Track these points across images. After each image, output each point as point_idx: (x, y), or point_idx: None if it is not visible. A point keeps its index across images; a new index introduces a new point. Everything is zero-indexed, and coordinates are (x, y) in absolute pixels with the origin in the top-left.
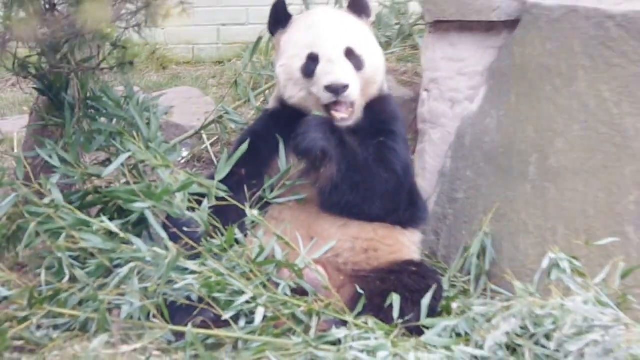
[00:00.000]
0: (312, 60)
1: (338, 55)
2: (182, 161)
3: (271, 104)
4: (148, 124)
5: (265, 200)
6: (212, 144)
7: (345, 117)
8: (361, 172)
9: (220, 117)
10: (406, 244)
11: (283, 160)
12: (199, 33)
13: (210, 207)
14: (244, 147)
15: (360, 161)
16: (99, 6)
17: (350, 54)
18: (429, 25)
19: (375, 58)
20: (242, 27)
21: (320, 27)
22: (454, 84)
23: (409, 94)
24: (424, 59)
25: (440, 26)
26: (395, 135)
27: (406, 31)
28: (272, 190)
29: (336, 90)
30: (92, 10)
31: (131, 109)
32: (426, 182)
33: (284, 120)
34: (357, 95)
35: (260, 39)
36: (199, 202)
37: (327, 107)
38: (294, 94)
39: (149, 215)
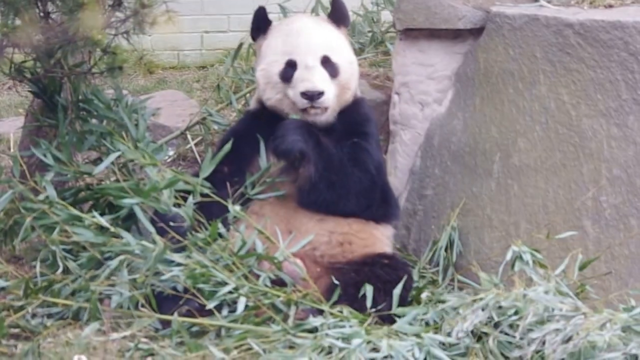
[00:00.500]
0: (290, 66)
1: (315, 63)
2: (169, 160)
3: (252, 105)
4: (136, 125)
5: (246, 196)
6: (196, 144)
7: (319, 112)
8: (337, 172)
9: (204, 118)
10: (379, 238)
11: (263, 158)
12: (183, 40)
13: (195, 203)
14: (227, 146)
15: (335, 161)
16: (91, 15)
17: (326, 61)
18: (399, 33)
19: (349, 66)
20: (224, 34)
21: (300, 35)
22: (424, 87)
23: (381, 97)
24: (395, 64)
25: (410, 33)
26: (368, 137)
27: (378, 38)
28: (253, 187)
29: (312, 96)
30: (84, 18)
31: (120, 111)
32: (398, 180)
33: (264, 121)
34: (331, 101)
35: (241, 45)
36: (185, 199)
37: (303, 111)
38: (272, 96)
39: (137, 210)
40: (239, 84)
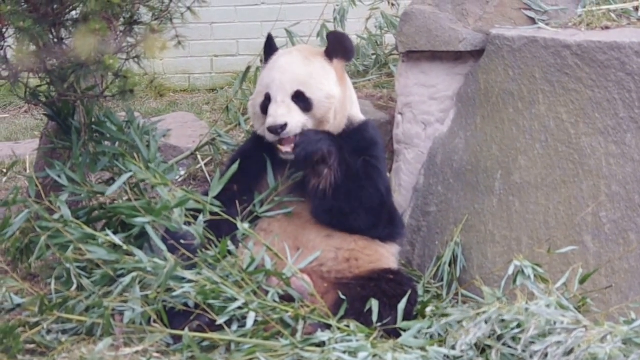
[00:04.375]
0: (268, 99)
1: (284, 98)
2: (179, 180)
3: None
4: (148, 146)
5: (255, 214)
6: (206, 164)
7: (289, 151)
8: (354, 182)
9: (214, 139)
10: (384, 255)
11: (271, 177)
12: (193, 63)
13: (205, 222)
14: (235, 166)
15: (354, 171)
16: (101, 40)
17: (298, 97)
18: (402, 55)
19: (326, 100)
20: (233, 57)
21: (277, 70)
22: (426, 107)
23: (385, 117)
24: (398, 85)
25: (413, 56)
26: (377, 158)
27: (382, 60)
28: (261, 205)
29: (275, 130)
30: (93, 42)
31: (132, 133)
32: (402, 197)
33: (270, 143)
34: (299, 129)
35: (249, 68)
36: (195, 217)
37: (277, 144)
38: (258, 127)
39: (149, 229)
40: (247, 106)
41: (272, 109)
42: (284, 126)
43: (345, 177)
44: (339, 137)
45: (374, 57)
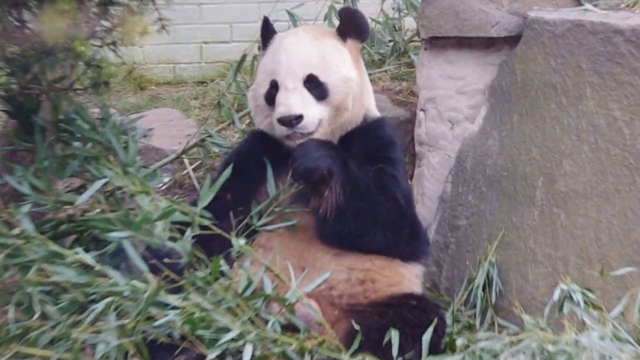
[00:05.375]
0: (274, 87)
1: (295, 84)
2: (163, 187)
3: (257, 124)
4: (125, 147)
5: (252, 227)
6: (194, 169)
7: (302, 139)
8: (364, 199)
9: (203, 140)
10: (406, 276)
11: (271, 184)
12: (179, 51)
13: (193, 237)
14: (229, 171)
15: (363, 187)
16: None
17: (311, 81)
18: (424, 42)
19: (343, 84)
20: (226, 45)
21: (284, 52)
22: (453, 103)
23: (404, 114)
24: (420, 77)
25: (437, 42)
26: (393, 162)
27: (401, 48)
28: (260, 217)
29: (289, 121)
30: (61, 25)
31: (107, 132)
32: (426, 209)
33: (271, 141)
34: (316, 125)
35: (244, 57)
36: (181, 231)
37: (287, 139)
38: (261, 120)
39: (127, 245)
40: (242, 101)
41: (282, 96)
42: (299, 117)
43: (353, 197)
44: (349, 135)
45: (391, 44)
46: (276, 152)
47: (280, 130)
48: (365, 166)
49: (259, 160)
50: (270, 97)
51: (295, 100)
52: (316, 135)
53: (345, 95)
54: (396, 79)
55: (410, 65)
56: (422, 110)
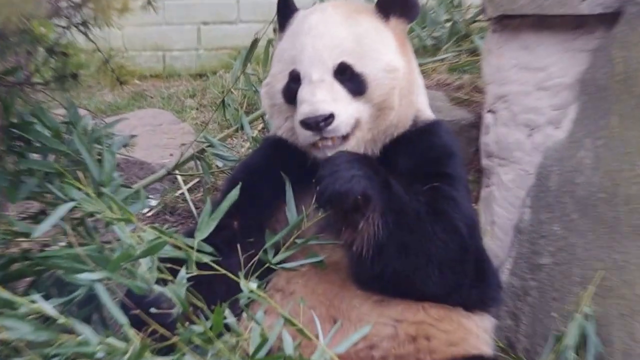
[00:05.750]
0: (294, 80)
1: (322, 75)
2: (149, 213)
3: (272, 131)
4: (100, 161)
5: (267, 265)
6: (190, 189)
7: (333, 147)
8: (413, 230)
9: (202, 151)
10: (471, 331)
11: (292, 208)
12: (171, 35)
13: (189, 278)
14: (236, 192)
15: (411, 214)
16: None
17: (344, 72)
18: (492, 22)
19: (387, 75)
20: (232, 26)
21: (309, 35)
22: (531, 102)
23: (466, 117)
24: (487, 68)
25: (509, 23)
26: (452, 180)
27: (461, 30)
28: (277, 252)
29: (314, 123)
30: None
31: (75, 140)
32: (497, 242)
33: (292, 152)
34: (350, 127)
35: (255, 41)
36: (174, 272)
37: (312, 147)
38: (280, 124)
39: (100, 290)
40: (253, 99)
41: (305, 92)
42: (329, 117)
43: (397, 227)
44: (395, 144)
45: (448, 25)
46: (299, 166)
47: (304, 136)
48: (415, 185)
49: (276, 177)
50: (291, 93)
51: (323, 95)
52: (352, 142)
53: (389, 89)
54: (455, 71)
55: (474, 52)
56: (491, 111)
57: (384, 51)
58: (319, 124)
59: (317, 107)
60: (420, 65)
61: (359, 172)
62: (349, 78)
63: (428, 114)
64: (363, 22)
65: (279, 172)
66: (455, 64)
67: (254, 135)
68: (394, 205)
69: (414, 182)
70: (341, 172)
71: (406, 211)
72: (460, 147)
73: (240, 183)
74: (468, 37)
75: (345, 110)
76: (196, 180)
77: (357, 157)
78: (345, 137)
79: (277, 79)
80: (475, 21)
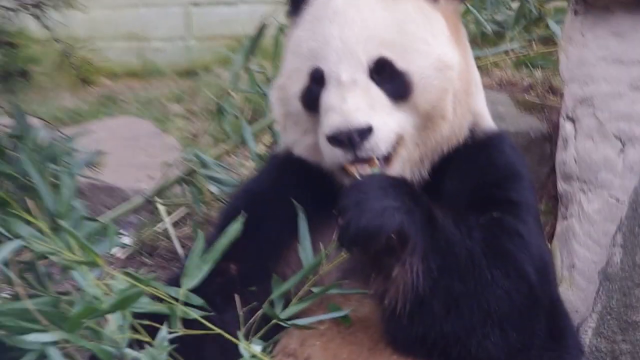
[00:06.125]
0: (317, 81)
1: (355, 73)
2: (122, 254)
3: (283, 147)
4: (56, 185)
5: (274, 321)
6: (176, 223)
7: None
8: (465, 278)
9: (192, 172)
10: None
11: (307, 246)
12: (151, 20)
13: (173, 340)
14: (236, 225)
15: (462, 256)
16: None
17: (382, 70)
18: (573, 2)
19: (438, 74)
20: (230, 8)
21: (335, 21)
22: (625, 106)
23: (537, 126)
24: (566, 62)
25: (596, 2)
26: (518, 209)
27: (532, 11)
28: (287, 304)
29: (347, 139)
30: None
31: (24, 159)
32: (576, 292)
33: (310, 174)
34: (390, 145)
35: (262, 28)
36: (152, 331)
37: (343, 171)
38: (296, 138)
39: (55, 357)
40: (259, 104)
41: (333, 97)
42: (366, 131)
43: (444, 275)
44: (445, 162)
45: (515, 5)
46: (317, 192)
47: (331, 156)
48: (470, 216)
49: (287, 207)
50: (312, 98)
51: (356, 101)
52: (397, 166)
53: (441, 93)
54: (524, 66)
55: (549, 40)
56: (570, 119)
57: (434, 42)
58: (353, 139)
59: (350, 117)
60: (477, 58)
61: (394, 202)
62: (389, 78)
63: (488, 123)
64: (405, 3)
65: (290, 200)
66: (524, 56)
67: (260, 152)
68: (440, 245)
69: (467, 212)
70: (370, 202)
71: (456, 252)
72: (529, 167)
73: (241, 215)
74: (541, 20)
75: (385, 121)
76: (183, 210)
77: (391, 181)
78: (387, 159)
79: (292, 80)
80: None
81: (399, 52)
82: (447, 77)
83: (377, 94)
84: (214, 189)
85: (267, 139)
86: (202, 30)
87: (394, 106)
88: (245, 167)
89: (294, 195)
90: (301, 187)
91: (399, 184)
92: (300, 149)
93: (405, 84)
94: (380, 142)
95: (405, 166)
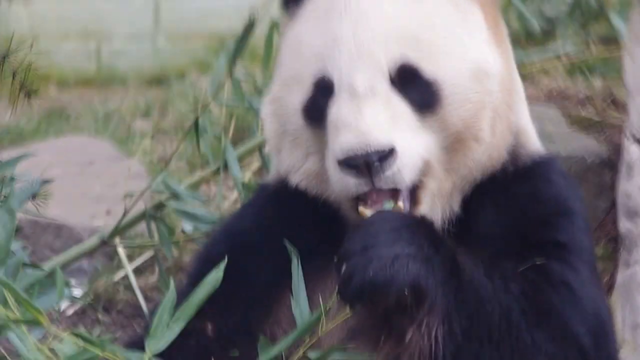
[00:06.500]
0: (323, 90)
1: (373, 81)
2: (71, 310)
3: (273, 176)
4: None
5: None
6: (140, 269)
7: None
8: (498, 342)
9: (160, 206)
10: None
11: (302, 299)
12: (110, 15)
13: None
14: (215, 274)
15: (495, 315)
16: None
17: (406, 77)
18: None
19: (478, 84)
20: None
21: (346, 15)
22: None
23: (596, 150)
24: (633, 68)
25: None
26: (568, 253)
27: (589, 5)
28: None
29: (365, 163)
30: None
31: None
32: None
33: (305, 209)
34: (416, 172)
35: (250, 26)
36: None
37: (358, 202)
38: (296, 163)
39: None
40: (246, 120)
41: (346, 110)
42: (386, 155)
43: (472, 339)
44: (478, 192)
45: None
46: (318, 232)
47: (342, 185)
48: (507, 262)
49: (278, 251)
50: (317, 112)
51: (376, 116)
52: (423, 201)
53: (478, 107)
54: (579, 73)
55: (612, 42)
56: (637, 140)
57: (470, 42)
58: (372, 164)
59: (367, 136)
60: (521, 63)
61: (408, 248)
62: (414, 88)
63: (533, 145)
64: None
65: (283, 242)
66: (580, 61)
67: (246, 181)
68: (466, 303)
69: (504, 258)
70: (380, 247)
71: (487, 311)
72: (583, 201)
73: (221, 261)
74: (602, 16)
75: (410, 142)
76: (148, 254)
77: (405, 221)
78: (413, 193)
79: (291, 90)
80: None
81: (427, 55)
82: (486, 88)
83: (401, 108)
84: (187, 227)
85: (255, 164)
86: (175, 26)
87: (420, 123)
88: (228, 200)
89: (287, 236)
90: (297, 226)
91: (416, 225)
92: (300, 177)
93: (434, 95)
94: (404, 169)
95: (435, 203)
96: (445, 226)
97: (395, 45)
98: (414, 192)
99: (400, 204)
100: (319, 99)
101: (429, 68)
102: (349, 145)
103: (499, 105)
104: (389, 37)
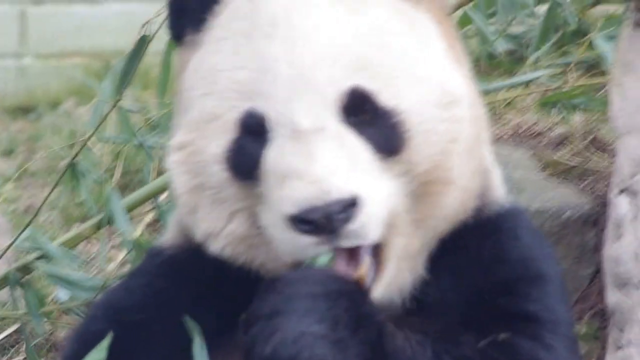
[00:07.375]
0: (254, 132)
1: (320, 116)
2: None
3: (171, 234)
4: None
5: None
6: (2, 347)
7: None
8: None
9: (26, 269)
10: None
11: None
12: None
13: None
14: (97, 355)
15: None
16: None
17: (359, 108)
18: (634, 8)
19: (445, 112)
20: (92, 7)
21: (276, 33)
22: None
23: (575, 202)
24: (621, 102)
25: None
26: (538, 327)
27: (566, 23)
28: None
29: (326, 218)
30: None
31: None
32: None
33: (204, 277)
34: (381, 223)
35: (143, 40)
36: None
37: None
38: (216, 226)
39: None
40: (136, 161)
41: (291, 155)
42: (349, 204)
43: None
44: (438, 252)
45: (541, 11)
46: (214, 304)
47: (294, 247)
48: (464, 338)
49: (176, 328)
50: (245, 157)
51: (330, 159)
52: (389, 265)
53: (449, 141)
54: (554, 107)
55: (594, 68)
56: (624, 191)
57: (430, 61)
58: (333, 218)
59: (324, 183)
60: (482, 93)
61: (319, 325)
62: (371, 121)
63: (497, 192)
64: (377, 6)
65: (178, 317)
66: (555, 91)
67: (137, 238)
68: None
69: (464, 330)
70: (288, 317)
71: None
72: (560, 265)
73: (105, 339)
74: (582, 35)
75: (373, 189)
76: (13, 329)
77: (328, 287)
78: (376, 252)
79: (205, 133)
80: (597, 2)
81: (381, 78)
82: (455, 115)
83: (357, 147)
84: (62, 294)
85: (148, 215)
86: (47, 42)
87: (380, 164)
88: (114, 261)
89: (190, 310)
90: (194, 299)
91: (338, 294)
92: (223, 242)
93: (395, 128)
94: (370, 221)
95: (402, 266)
96: (407, 295)
97: (341, 70)
98: (377, 252)
99: (363, 269)
100: (248, 143)
101: (385, 95)
102: (302, 197)
103: (468, 137)
104: (333, 59)
